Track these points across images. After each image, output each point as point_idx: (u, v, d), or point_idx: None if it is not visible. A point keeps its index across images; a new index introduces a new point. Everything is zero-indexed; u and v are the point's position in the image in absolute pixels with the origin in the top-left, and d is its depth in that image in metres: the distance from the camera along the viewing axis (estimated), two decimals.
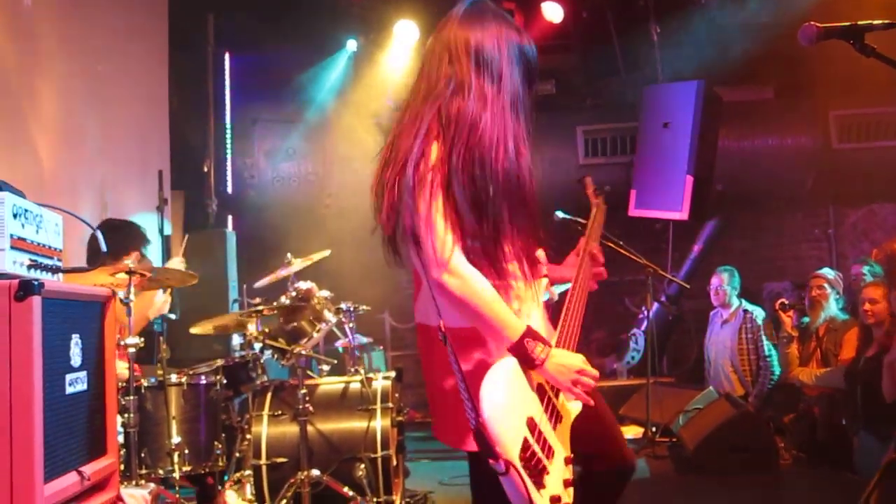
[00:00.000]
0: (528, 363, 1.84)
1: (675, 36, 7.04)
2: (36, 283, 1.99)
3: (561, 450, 1.87)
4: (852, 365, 5.01)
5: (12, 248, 2.11)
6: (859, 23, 2.18)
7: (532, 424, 1.80)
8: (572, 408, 1.97)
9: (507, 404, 1.77)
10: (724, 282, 6.14)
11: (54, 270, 2.30)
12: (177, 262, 4.50)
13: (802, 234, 8.35)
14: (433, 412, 2.05)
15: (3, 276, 2.05)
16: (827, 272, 5.43)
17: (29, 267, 2.17)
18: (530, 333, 1.84)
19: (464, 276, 1.82)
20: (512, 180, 1.89)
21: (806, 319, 5.56)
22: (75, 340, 2.23)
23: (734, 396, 5.62)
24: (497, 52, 1.95)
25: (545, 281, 2.08)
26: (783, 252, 8.27)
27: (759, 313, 6.07)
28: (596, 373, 1.90)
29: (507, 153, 1.89)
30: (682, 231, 7.29)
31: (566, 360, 1.87)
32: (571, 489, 1.86)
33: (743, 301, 6.17)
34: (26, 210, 2.19)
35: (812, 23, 2.17)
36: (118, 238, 4.14)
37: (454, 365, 1.78)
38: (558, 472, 1.83)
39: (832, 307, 5.32)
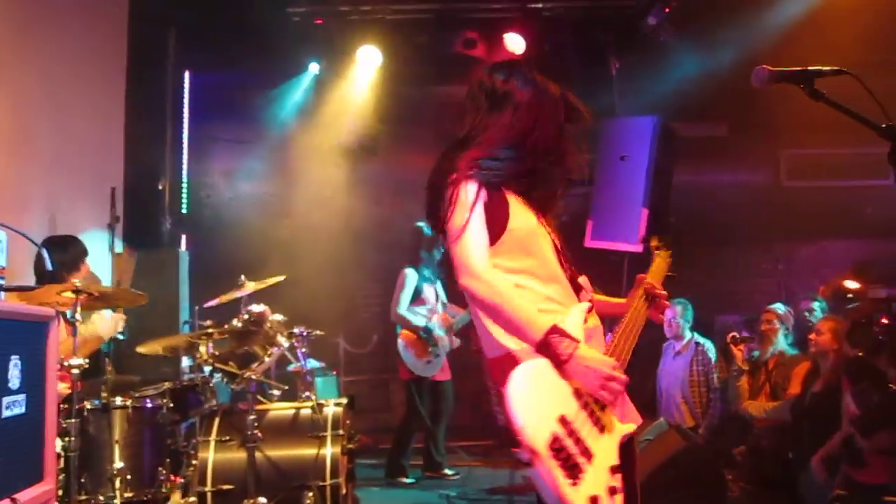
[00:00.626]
0: (554, 359, 1.84)
1: (633, 71, 7.19)
2: None
3: (605, 457, 1.83)
4: (799, 400, 5.10)
5: None
6: (810, 68, 2.24)
7: (564, 422, 1.78)
8: (624, 427, 1.94)
9: (534, 396, 1.77)
10: (678, 314, 6.21)
11: None
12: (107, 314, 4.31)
13: (753, 268, 8.51)
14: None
15: None
16: (778, 307, 5.53)
17: None
18: (556, 330, 1.85)
19: (489, 280, 1.90)
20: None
21: (756, 353, 5.65)
22: (14, 362, 2.15)
23: (684, 428, 5.66)
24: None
25: (584, 305, 2.08)
26: (734, 286, 8.42)
27: (710, 347, 6.15)
28: (625, 378, 1.89)
29: None
30: (636, 263, 7.38)
31: (594, 362, 1.85)
32: (619, 497, 1.81)
33: (695, 334, 6.25)
34: None
35: (764, 66, 2.23)
36: (66, 255, 4.04)
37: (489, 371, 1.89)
38: (601, 476, 1.79)
39: (781, 342, 5.41)
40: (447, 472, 6.07)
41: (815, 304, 5.75)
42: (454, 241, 1.92)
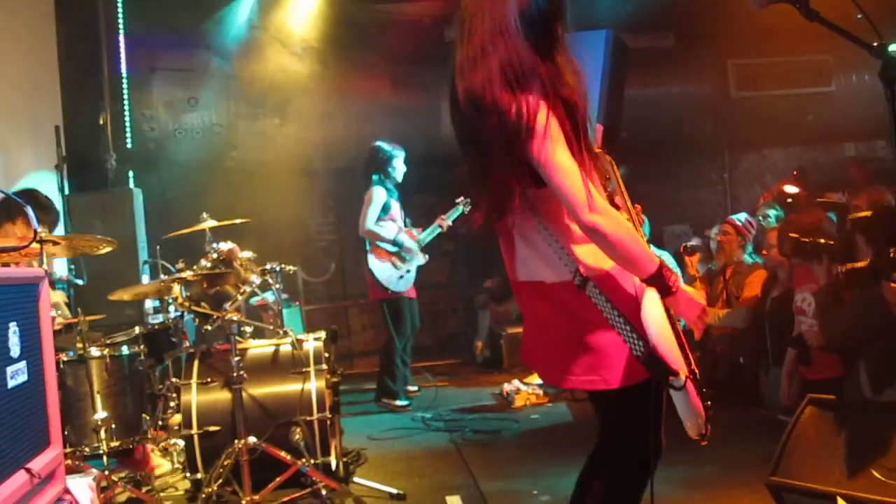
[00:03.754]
0: (665, 291, 1.94)
1: None
2: None
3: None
4: (759, 305, 5.30)
5: None
6: None
7: (680, 344, 1.96)
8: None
9: (667, 329, 1.91)
10: None
11: None
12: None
13: (700, 178, 8.71)
14: (555, 361, 2.11)
15: None
16: (737, 218, 5.64)
17: None
18: (664, 264, 1.96)
19: (610, 214, 1.90)
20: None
21: (713, 266, 5.83)
22: (13, 329, 2.05)
23: None
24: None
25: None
26: (682, 196, 8.61)
27: (667, 256, 6.30)
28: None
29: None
30: None
31: (692, 294, 2.03)
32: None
33: (652, 246, 6.38)
34: None
35: None
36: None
37: (602, 303, 1.91)
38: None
39: (738, 252, 5.56)
40: (410, 387, 6.19)
41: (771, 212, 5.91)
42: (557, 173, 1.87)
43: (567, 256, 1.98)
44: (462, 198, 5.61)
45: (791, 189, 7.60)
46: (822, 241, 4.43)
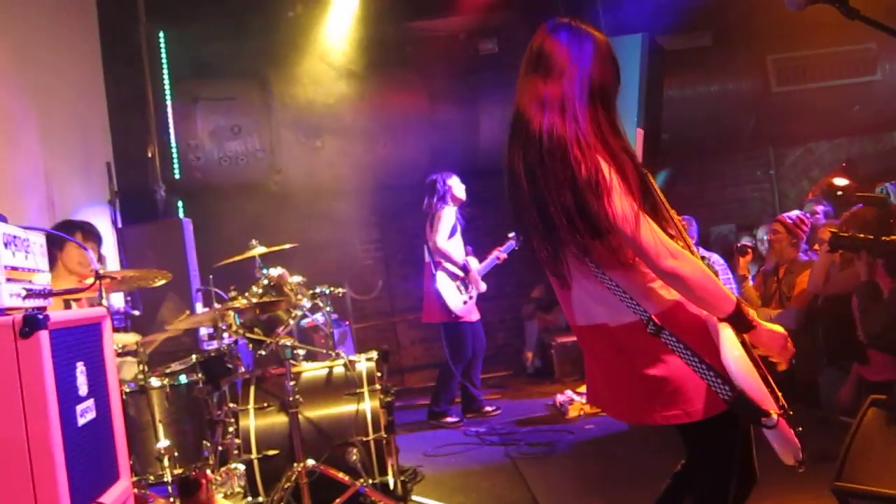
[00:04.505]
0: (745, 326, 1.98)
1: None
2: (41, 317, 1.88)
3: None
4: (811, 303, 5.19)
5: (7, 280, 1.99)
6: None
7: (763, 377, 1.98)
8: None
9: (750, 368, 1.92)
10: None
11: (46, 295, 2.18)
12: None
13: (745, 176, 8.58)
14: (630, 400, 2.12)
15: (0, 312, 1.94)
16: (788, 216, 5.54)
17: (24, 297, 2.05)
18: (741, 301, 2.00)
19: (688, 259, 1.94)
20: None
21: (755, 269, 5.74)
22: (80, 369, 2.13)
23: None
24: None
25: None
26: (727, 195, 8.50)
27: (716, 259, 6.22)
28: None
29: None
30: None
31: (773, 327, 2.06)
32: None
33: (700, 248, 6.31)
34: (15, 237, 2.06)
35: None
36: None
37: (680, 350, 1.93)
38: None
39: (789, 251, 5.46)
40: (488, 409, 6.18)
41: (820, 208, 5.80)
42: (631, 226, 1.91)
43: (631, 301, 1.99)
44: (514, 233, 5.64)
45: (840, 181, 7.44)
46: (861, 235, 4.34)
